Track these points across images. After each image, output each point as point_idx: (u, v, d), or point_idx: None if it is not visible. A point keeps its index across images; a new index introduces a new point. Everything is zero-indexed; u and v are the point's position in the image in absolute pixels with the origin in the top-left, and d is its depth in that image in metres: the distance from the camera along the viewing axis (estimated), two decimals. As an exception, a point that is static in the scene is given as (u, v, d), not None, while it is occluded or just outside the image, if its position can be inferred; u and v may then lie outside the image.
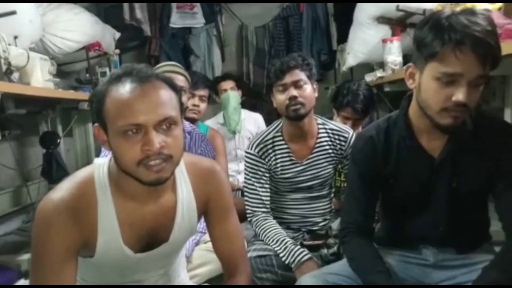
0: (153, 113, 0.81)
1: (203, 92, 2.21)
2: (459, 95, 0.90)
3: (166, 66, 1.70)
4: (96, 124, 0.88)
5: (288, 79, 1.45)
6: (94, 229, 0.89)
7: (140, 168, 0.82)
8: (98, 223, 0.89)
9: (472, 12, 0.91)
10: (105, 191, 0.90)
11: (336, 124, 1.64)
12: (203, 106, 2.22)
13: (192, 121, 2.08)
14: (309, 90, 1.47)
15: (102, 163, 0.93)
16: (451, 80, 0.91)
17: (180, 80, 1.66)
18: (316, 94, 1.51)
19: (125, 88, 0.82)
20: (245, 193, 1.58)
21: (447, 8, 0.93)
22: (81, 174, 0.92)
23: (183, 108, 0.92)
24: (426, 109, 0.98)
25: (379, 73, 2.53)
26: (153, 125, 0.82)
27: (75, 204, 0.86)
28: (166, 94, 0.85)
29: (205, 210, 1.04)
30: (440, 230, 1.10)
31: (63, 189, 0.88)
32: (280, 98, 1.48)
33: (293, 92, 1.44)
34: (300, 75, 1.45)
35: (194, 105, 2.14)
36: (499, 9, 1.52)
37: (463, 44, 0.87)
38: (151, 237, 0.95)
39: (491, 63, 0.90)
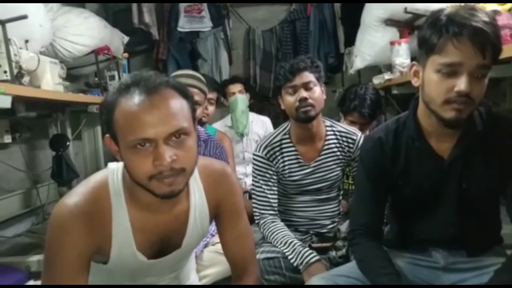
0: (162, 126, 0.78)
1: (212, 95, 2.23)
2: (461, 85, 0.90)
3: (180, 78, 1.61)
4: (107, 135, 0.86)
5: (298, 80, 1.45)
6: (108, 235, 0.88)
7: (152, 181, 0.80)
8: (112, 228, 0.88)
9: (472, 8, 0.92)
10: (119, 197, 0.89)
11: (344, 126, 1.64)
12: (211, 109, 2.23)
13: (201, 124, 2.09)
14: (319, 92, 1.47)
15: (116, 168, 0.92)
16: (452, 71, 0.91)
17: (195, 94, 1.62)
18: (324, 96, 1.51)
19: (133, 100, 0.79)
20: (253, 196, 1.58)
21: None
22: (95, 179, 0.91)
23: (196, 116, 0.89)
24: (430, 104, 0.98)
25: (387, 76, 2.52)
26: (164, 138, 0.79)
27: (90, 209, 0.85)
28: (176, 104, 0.81)
29: (217, 213, 1.03)
30: (450, 232, 1.09)
31: (77, 194, 0.87)
32: (289, 100, 1.47)
33: (303, 93, 1.44)
34: (310, 77, 1.45)
35: (204, 108, 2.15)
36: (509, 10, 1.51)
37: (460, 35, 0.88)
38: (164, 242, 0.95)
39: (491, 53, 0.90)
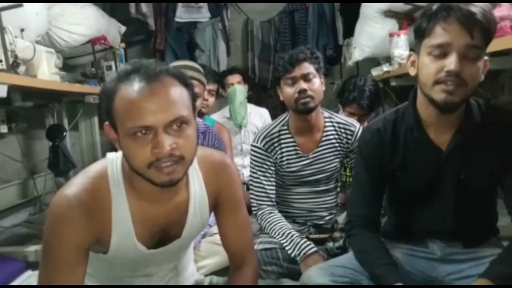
0: (162, 114, 0.77)
1: (212, 86, 2.22)
2: (450, 65, 0.91)
3: (179, 69, 1.57)
4: (106, 122, 0.84)
5: (297, 72, 1.43)
6: (108, 225, 0.87)
7: (151, 170, 0.79)
8: (112, 219, 0.87)
9: None
10: (118, 187, 0.88)
11: (343, 117, 1.63)
12: (211, 100, 2.23)
13: (200, 115, 2.08)
14: (318, 83, 1.46)
15: (115, 157, 0.91)
16: (442, 52, 0.93)
17: (194, 85, 1.62)
18: (323, 88, 1.50)
19: (133, 87, 0.78)
20: (251, 187, 1.58)
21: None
22: (94, 169, 0.90)
23: (195, 104, 0.88)
24: (423, 88, 0.99)
25: (385, 68, 2.51)
26: (163, 126, 0.78)
27: (89, 199, 0.84)
28: (176, 92, 0.81)
29: (216, 203, 1.03)
30: (447, 224, 1.10)
31: (76, 185, 0.86)
32: (288, 91, 1.46)
33: (303, 85, 1.43)
34: (309, 68, 1.44)
35: (203, 99, 2.13)
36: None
37: (448, 17, 0.91)
38: (164, 233, 0.94)
39: (480, 33, 0.90)
